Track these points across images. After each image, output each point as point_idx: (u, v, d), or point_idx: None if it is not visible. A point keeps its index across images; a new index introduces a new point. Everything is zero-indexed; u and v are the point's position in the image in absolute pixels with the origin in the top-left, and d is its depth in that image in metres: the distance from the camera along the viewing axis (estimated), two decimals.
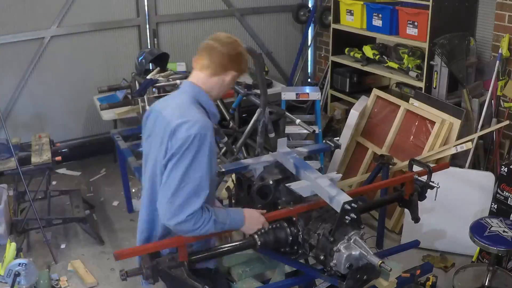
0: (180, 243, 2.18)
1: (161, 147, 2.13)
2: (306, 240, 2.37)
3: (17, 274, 2.88)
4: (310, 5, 6.50)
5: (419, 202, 2.79)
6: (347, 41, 5.56)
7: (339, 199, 2.27)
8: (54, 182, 5.05)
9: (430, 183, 2.72)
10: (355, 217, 2.21)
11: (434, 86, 4.51)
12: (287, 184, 2.52)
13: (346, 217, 2.21)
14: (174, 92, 2.38)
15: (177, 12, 5.81)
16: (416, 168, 2.86)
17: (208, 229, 2.10)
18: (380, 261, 2.12)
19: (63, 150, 4.42)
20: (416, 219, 2.80)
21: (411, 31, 4.64)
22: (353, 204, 2.21)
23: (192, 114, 2.11)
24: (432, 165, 2.83)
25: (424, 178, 2.76)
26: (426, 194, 2.80)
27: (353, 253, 2.20)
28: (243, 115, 4.18)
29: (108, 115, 4.86)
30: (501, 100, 4.38)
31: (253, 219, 2.29)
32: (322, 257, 2.27)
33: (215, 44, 2.21)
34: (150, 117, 2.31)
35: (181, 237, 2.24)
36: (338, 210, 2.23)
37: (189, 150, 2.03)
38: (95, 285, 3.73)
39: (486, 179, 3.85)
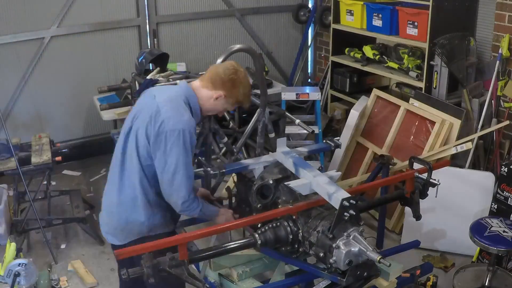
0: (181, 242, 2.18)
1: (144, 128, 2.39)
2: (306, 238, 2.37)
3: (17, 274, 2.87)
4: (310, 5, 6.50)
5: (420, 200, 2.79)
6: (347, 41, 5.56)
7: (338, 195, 2.27)
8: (53, 183, 5.04)
9: (431, 180, 2.72)
10: (354, 213, 2.21)
11: (434, 86, 4.51)
12: (286, 183, 2.52)
13: (345, 213, 2.21)
14: (171, 86, 2.68)
15: (177, 12, 5.81)
16: (416, 166, 2.86)
17: (199, 212, 2.49)
18: (379, 257, 2.12)
19: (63, 150, 4.41)
20: (417, 217, 2.81)
21: (411, 31, 4.64)
22: (351, 201, 2.21)
23: (180, 111, 2.39)
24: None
25: (424, 175, 2.76)
26: (427, 192, 2.79)
27: (352, 249, 2.20)
28: (243, 115, 4.18)
29: (108, 115, 4.84)
30: (501, 100, 4.38)
31: (223, 217, 2.64)
32: (321, 254, 2.27)
33: (217, 65, 2.59)
34: (144, 97, 2.57)
35: (182, 236, 2.24)
36: (337, 207, 2.23)
37: (177, 142, 2.32)
38: (95, 285, 3.72)
39: (486, 179, 3.85)
